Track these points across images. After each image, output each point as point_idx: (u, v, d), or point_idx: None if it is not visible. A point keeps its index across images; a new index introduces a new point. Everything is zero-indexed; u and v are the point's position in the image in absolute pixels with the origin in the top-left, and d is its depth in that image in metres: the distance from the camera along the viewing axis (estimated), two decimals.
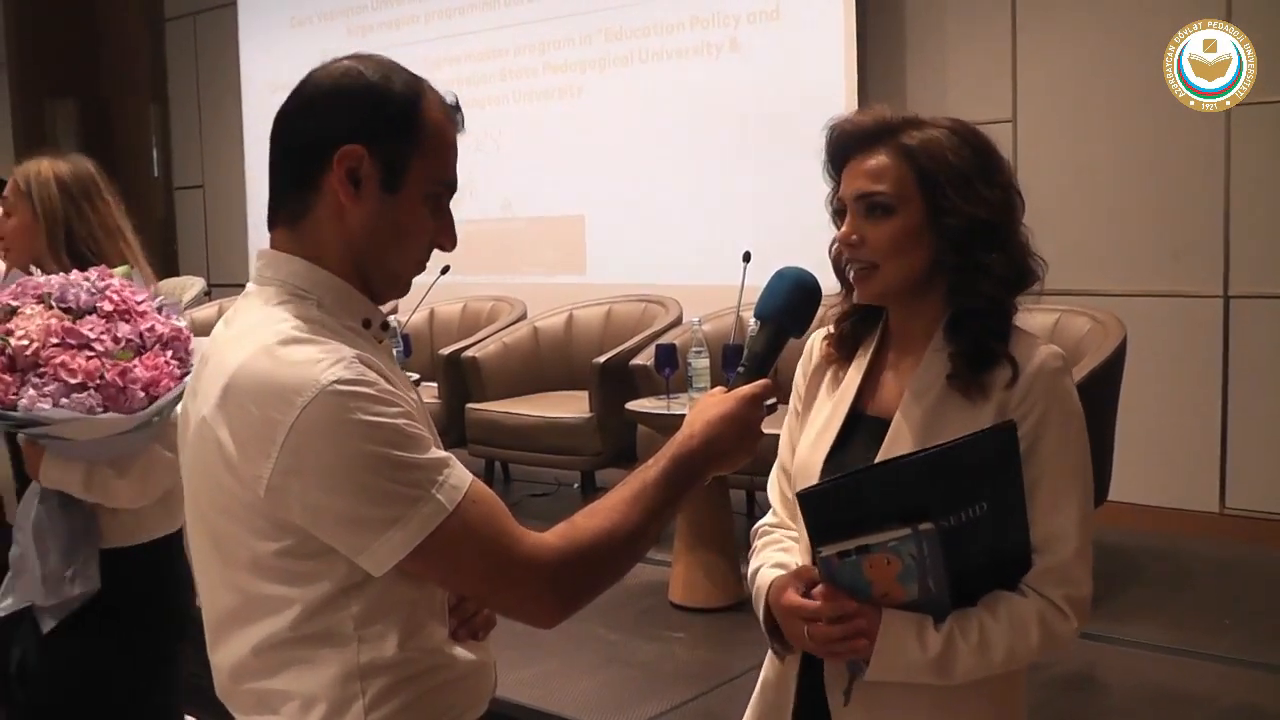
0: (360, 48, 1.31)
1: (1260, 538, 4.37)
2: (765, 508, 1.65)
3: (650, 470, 1.28)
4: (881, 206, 1.43)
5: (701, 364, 3.91)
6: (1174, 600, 3.89)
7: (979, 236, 1.41)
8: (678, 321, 5.20)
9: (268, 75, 7.12)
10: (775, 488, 1.64)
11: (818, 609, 1.37)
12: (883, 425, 1.47)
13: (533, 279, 6.24)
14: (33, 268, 2.09)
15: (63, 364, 1.78)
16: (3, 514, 2.09)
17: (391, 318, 4.35)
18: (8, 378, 1.78)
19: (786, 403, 1.63)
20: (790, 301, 1.42)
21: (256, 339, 1.19)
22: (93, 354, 1.80)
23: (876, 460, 1.43)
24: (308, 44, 7.06)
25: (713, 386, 1.52)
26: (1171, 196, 4.58)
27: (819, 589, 1.38)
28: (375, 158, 1.22)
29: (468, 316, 6.06)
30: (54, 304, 1.85)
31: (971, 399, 1.42)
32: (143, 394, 1.82)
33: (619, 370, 4.78)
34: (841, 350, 1.57)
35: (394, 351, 1.38)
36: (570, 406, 5.04)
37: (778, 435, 1.62)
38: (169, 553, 2.07)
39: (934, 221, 1.42)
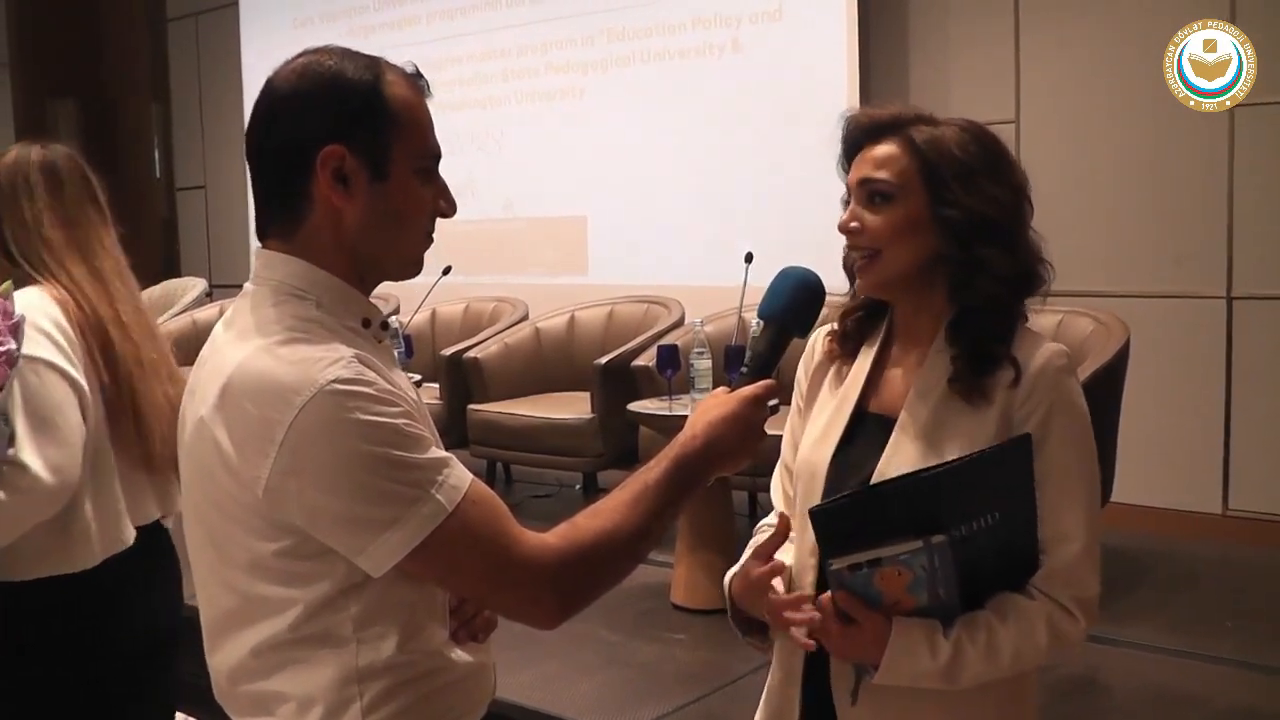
0: (362, 48, 1.30)
1: (1263, 539, 4.36)
2: (767, 509, 1.64)
3: (652, 471, 1.27)
4: (882, 194, 1.43)
5: (704, 365, 3.90)
6: (1176, 602, 3.87)
7: (981, 232, 1.40)
8: (680, 322, 5.19)
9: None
10: (778, 486, 1.63)
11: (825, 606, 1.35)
12: (887, 423, 1.46)
13: (535, 279, 6.23)
14: None
15: None
16: None
17: (392, 318, 4.30)
18: None
19: (788, 403, 1.62)
20: (794, 301, 1.41)
21: (255, 339, 1.19)
22: None
23: (881, 461, 1.43)
24: (310, 45, 7.01)
25: (715, 387, 1.51)
26: (1174, 197, 4.57)
27: (825, 596, 1.36)
28: (356, 153, 1.21)
29: (469, 317, 6.05)
30: None
31: (973, 403, 1.41)
32: None
33: (621, 371, 4.77)
34: (845, 346, 1.56)
35: (395, 352, 1.37)
36: (572, 407, 5.03)
37: (780, 436, 1.61)
38: (81, 592, 1.87)
39: (935, 213, 1.42)
